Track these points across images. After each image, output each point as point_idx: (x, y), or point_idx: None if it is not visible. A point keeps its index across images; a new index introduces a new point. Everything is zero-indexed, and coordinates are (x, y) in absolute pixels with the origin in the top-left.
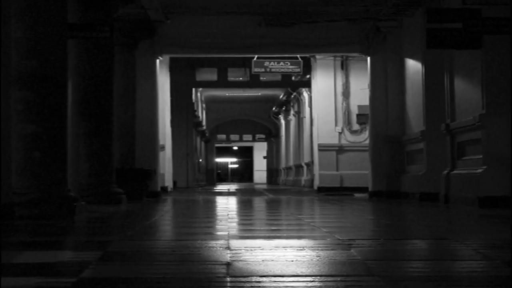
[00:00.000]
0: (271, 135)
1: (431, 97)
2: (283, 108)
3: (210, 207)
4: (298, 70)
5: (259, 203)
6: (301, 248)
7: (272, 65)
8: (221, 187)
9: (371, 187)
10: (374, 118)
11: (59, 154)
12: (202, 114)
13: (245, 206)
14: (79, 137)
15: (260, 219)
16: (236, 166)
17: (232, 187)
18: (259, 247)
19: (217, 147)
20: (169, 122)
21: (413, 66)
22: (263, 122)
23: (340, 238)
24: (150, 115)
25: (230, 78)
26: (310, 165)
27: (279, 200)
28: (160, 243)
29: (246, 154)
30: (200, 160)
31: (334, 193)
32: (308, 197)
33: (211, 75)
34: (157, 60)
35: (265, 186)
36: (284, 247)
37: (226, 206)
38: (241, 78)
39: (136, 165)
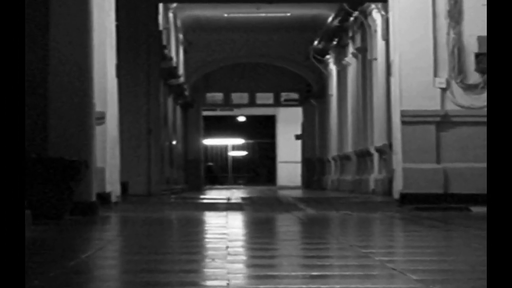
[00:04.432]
0: (311, 95)
1: None
2: (334, 43)
3: (194, 233)
4: None
5: (287, 226)
6: None
7: None
8: (214, 195)
9: None
10: None
11: None
12: (177, 55)
13: (260, 232)
14: None
15: (288, 257)
16: (243, 153)
17: (236, 194)
18: None
19: (206, 118)
20: (114, 70)
21: None
22: (296, 69)
23: None
24: (77, 57)
25: None
26: (386, 152)
27: (326, 220)
28: None
29: (262, 131)
30: (174, 142)
31: (432, 206)
32: (381, 214)
33: None
34: None
35: (299, 193)
36: None
37: (224, 231)
38: None
39: (50, 151)
